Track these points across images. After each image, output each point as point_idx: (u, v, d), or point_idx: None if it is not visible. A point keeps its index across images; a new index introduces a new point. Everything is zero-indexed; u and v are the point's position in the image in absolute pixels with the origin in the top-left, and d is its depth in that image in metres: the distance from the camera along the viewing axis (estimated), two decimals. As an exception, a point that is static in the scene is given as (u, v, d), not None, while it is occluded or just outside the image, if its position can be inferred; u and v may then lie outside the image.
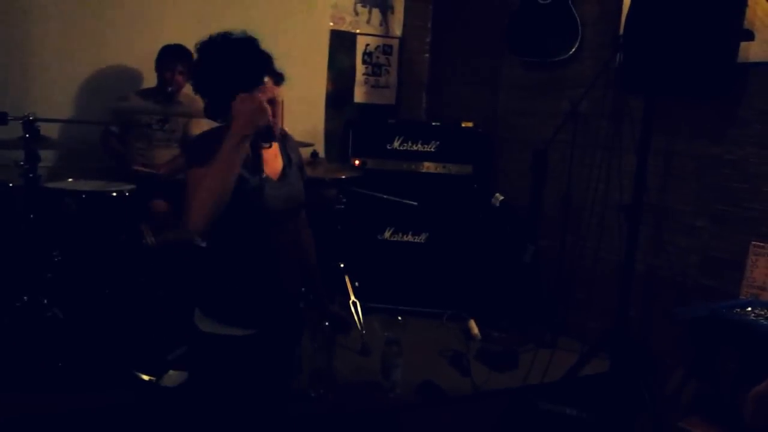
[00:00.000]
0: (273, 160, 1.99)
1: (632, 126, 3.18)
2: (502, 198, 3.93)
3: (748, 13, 2.92)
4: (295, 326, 2.15)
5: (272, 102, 1.85)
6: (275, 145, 2.00)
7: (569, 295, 3.79)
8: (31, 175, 2.95)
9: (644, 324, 3.42)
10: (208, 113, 1.94)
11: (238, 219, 1.85)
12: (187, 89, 3.85)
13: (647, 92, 2.99)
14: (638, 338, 3.37)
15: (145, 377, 2.79)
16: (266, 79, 1.93)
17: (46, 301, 2.97)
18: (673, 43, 2.84)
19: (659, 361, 3.22)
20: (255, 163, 1.89)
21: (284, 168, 2.01)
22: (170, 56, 3.64)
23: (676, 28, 2.83)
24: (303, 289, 2.18)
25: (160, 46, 3.73)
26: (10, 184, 3.09)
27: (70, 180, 3.37)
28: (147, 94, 3.74)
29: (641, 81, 3.00)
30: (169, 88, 3.61)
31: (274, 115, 1.84)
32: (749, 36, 2.94)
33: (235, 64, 1.86)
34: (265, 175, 1.91)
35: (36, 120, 2.92)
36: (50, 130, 3.10)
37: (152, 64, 3.71)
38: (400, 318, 3.12)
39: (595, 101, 3.54)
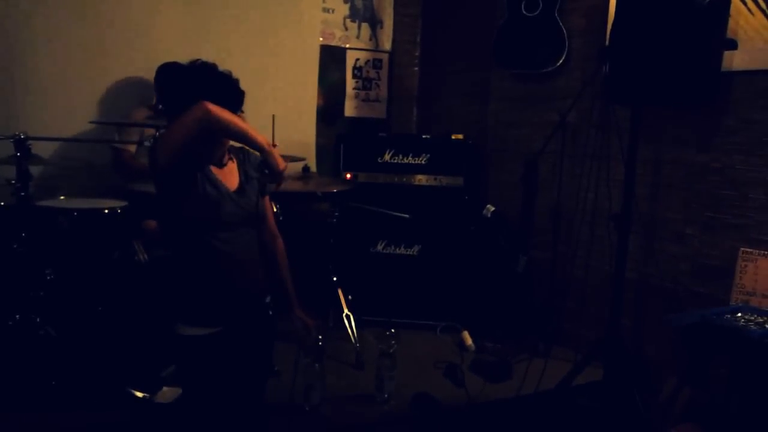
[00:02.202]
0: (229, 174, 2.25)
1: (620, 135, 3.21)
2: (493, 209, 3.95)
3: (731, 22, 2.97)
4: (261, 327, 2.33)
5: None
6: (231, 163, 2.28)
7: (562, 305, 3.81)
8: (22, 194, 2.95)
9: (637, 332, 3.44)
10: None
11: (198, 226, 2.12)
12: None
13: (634, 102, 3.03)
14: (631, 346, 3.39)
15: (139, 394, 2.78)
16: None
17: (38, 320, 2.96)
18: (657, 53, 2.88)
19: (652, 369, 3.24)
20: (216, 178, 2.17)
21: (241, 182, 2.26)
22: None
23: (660, 38, 2.87)
24: (268, 298, 2.36)
25: (152, 63, 3.76)
26: (2, 203, 3.09)
27: (62, 198, 3.37)
28: (148, 109, 3.75)
29: (628, 91, 3.04)
30: (160, 106, 3.62)
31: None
32: (732, 45, 2.98)
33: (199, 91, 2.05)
34: (224, 189, 2.18)
35: (27, 138, 2.93)
36: (42, 148, 3.11)
37: (147, 81, 3.75)
38: (393, 330, 3.13)
39: (583, 112, 3.57)
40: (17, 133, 2.91)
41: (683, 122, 3.24)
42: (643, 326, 3.43)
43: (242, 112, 2.21)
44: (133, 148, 3.69)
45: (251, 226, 2.26)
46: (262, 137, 2.03)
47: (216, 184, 2.16)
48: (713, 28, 2.89)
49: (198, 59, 2.14)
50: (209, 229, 2.13)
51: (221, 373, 2.15)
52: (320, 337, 2.89)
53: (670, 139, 3.31)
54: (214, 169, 2.20)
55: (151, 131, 3.58)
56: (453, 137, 4.17)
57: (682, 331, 2.73)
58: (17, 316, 2.94)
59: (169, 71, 2.07)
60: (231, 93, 2.13)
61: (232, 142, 2.16)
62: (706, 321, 2.51)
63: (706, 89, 2.94)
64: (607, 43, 3.32)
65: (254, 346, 2.30)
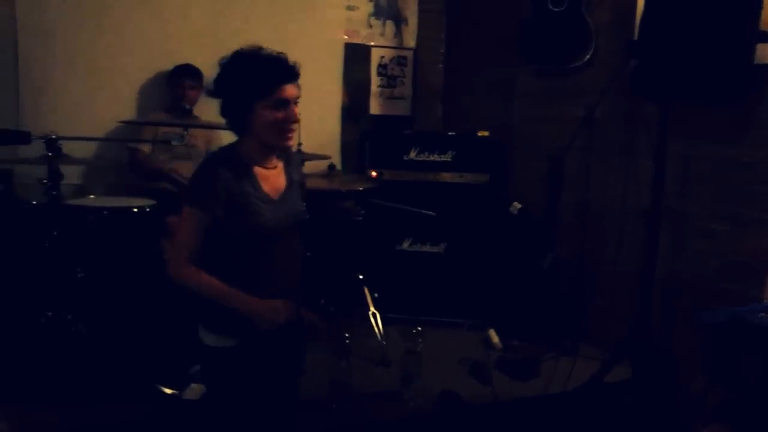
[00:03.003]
0: (275, 178, 2.09)
1: (648, 131, 3.17)
2: (520, 206, 3.92)
3: (764, 14, 2.90)
4: (296, 334, 2.19)
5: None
6: (279, 165, 2.11)
7: (589, 302, 3.77)
8: (54, 193, 3.00)
9: (666, 330, 3.39)
10: (230, 124, 2.04)
11: (237, 235, 1.97)
12: (205, 107, 3.93)
13: (662, 97, 2.99)
14: (660, 344, 3.34)
15: (168, 390, 2.82)
16: (287, 86, 1.98)
17: (69, 317, 3.00)
18: (687, 46, 2.84)
19: (682, 367, 3.19)
20: (259, 185, 2.02)
21: (286, 188, 2.11)
22: (179, 73, 3.82)
23: (690, 31, 2.83)
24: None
25: (175, 63, 3.82)
26: (34, 202, 3.15)
27: (91, 197, 3.42)
28: (166, 111, 3.82)
29: (656, 86, 3.00)
30: (187, 106, 3.67)
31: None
32: (766, 38, 2.92)
33: (255, 73, 1.94)
34: (266, 196, 2.02)
35: (58, 138, 2.97)
36: (72, 148, 3.16)
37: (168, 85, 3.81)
38: (419, 328, 3.12)
39: (611, 107, 3.53)
40: (48, 133, 2.96)
41: (713, 116, 3.18)
42: (672, 324, 3.38)
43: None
44: (146, 147, 3.75)
45: (294, 232, 2.13)
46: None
47: (259, 191, 2.00)
48: (746, 21, 2.83)
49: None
50: (250, 239, 1.99)
51: (251, 382, 2.04)
52: (347, 334, 2.90)
53: (699, 133, 3.25)
54: (259, 171, 2.04)
55: (165, 130, 3.64)
56: (478, 134, 4.15)
57: (712, 329, 2.69)
58: (49, 314, 2.99)
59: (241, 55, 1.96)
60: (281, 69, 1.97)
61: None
62: (737, 319, 2.47)
63: (738, 83, 2.89)
64: (635, 37, 3.28)
65: (289, 355, 2.20)
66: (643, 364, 3.05)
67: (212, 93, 2.03)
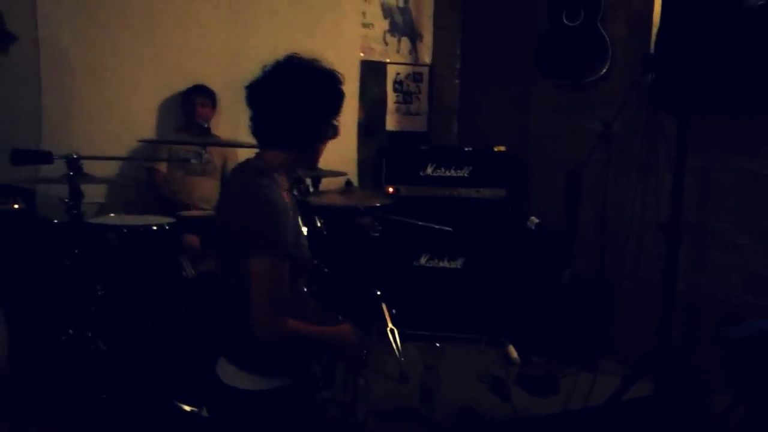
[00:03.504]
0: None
1: (666, 144, 3.15)
2: (537, 221, 3.90)
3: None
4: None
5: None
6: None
7: (609, 317, 3.73)
8: (75, 212, 3.03)
9: (688, 345, 3.34)
10: (279, 137, 1.84)
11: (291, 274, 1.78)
12: (220, 125, 3.97)
13: (681, 110, 2.97)
14: (682, 359, 3.30)
15: (187, 408, 2.82)
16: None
17: (90, 334, 3.03)
18: (706, 58, 2.81)
19: (705, 383, 3.14)
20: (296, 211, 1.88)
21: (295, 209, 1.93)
22: (190, 92, 3.91)
23: (709, 43, 2.81)
24: (340, 317, 2.20)
25: (193, 83, 3.88)
26: (55, 221, 3.19)
27: (112, 215, 3.46)
28: (183, 130, 3.87)
29: (674, 99, 2.98)
30: (205, 125, 3.71)
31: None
32: (785, 48, 2.89)
33: (335, 87, 1.84)
34: (299, 224, 1.89)
35: (79, 158, 3.01)
36: (92, 168, 3.20)
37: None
38: (438, 344, 3.11)
39: (628, 120, 3.51)
40: (70, 152, 3.00)
41: (733, 128, 3.16)
42: (694, 339, 3.33)
43: None
44: (163, 167, 3.80)
45: None
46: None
47: (297, 220, 1.85)
48: (766, 30, 2.80)
49: (291, 55, 1.86)
50: (299, 272, 1.84)
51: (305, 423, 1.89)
52: (365, 351, 2.88)
53: (719, 146, 3.22)
54: (286, 197, 1.83)
55: (183, 148, 3.69)
56: (495, 149, 4.15)
57: (737, 344, 2.65)
58: (70, 331, 3.01)
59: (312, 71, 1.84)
60: (334, 95, 1.85)
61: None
62: (763, 333, 2.43)
63: (759, 95, 2.85)
64: (651, 49, 3.27)
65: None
66: (665, 380, 3.01)
67: (264, 103, 1.82)
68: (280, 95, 1.79)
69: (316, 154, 1.91)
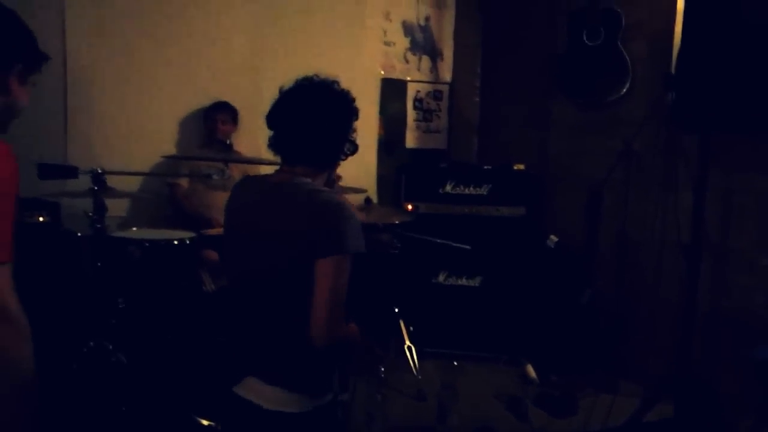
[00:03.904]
0: None
1: (688, 163, 3.13)
2: (556, 240, 3.89)
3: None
4: None
5: None
6: None
7: (629, 338, 3.70)
8: (98, 225, 3.08)
9: (709, 366, 3.30)
10: (318, 162, 1.89)
11: None
12: (241, 141, 4.01)
13: (702, 130, 2.96)
14: (703, 381, 3.25)
15: (205, 422, 2.83)
16: None
17: (111, 347, 3.06)
18: (726, 78, 2.81)
19: (727, 405, 3.09)
20: None
21: None
22: (212, 109, 3.97)
23: (730, 62, 2.80)
24: None
25: (216, 100, 3.94)
26: (79, 234, 3.24)
27: (134, 229, 3.50)
28: (205, 146, 3.92)
29: (695, 118, 2.97)
30: (227, 141, 3.76)
31: None
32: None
33: (354, 108, 1.93)
34: None
35: (104, 173, 3.06)
36: (116, 182, 3.25)
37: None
38: (455, 362, 3.10)
39: (649, 139, 3.50)
40: (95, 167, 3.05)
41: (755, 148, 3.14)
42: (715, 360, 3.29)
43: None
44: (185, 182, 3.85)
45: None
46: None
47: None
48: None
49: (312, 76, 1.91)
50: None
51: None
52: (382, 368, 2.89)
53: (741, 165, 3.20)
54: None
55: (205, 164, 3.74)
56: (514, 167, 4.15)
57: (759, 366, 2.62)
58: (91, 343, 3.05)
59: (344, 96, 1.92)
60: (351, 115, 1.93)
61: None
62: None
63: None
64: (673, 69, 3.26)
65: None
66: (686, 401, 2.97)
67: (289, 122, 1.86)
68: (306, 114, 1.84)
69: (334, 171, 1.97)
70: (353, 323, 1.87)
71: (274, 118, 1.87)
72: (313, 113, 1.84)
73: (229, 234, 1.96)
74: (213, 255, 3.47)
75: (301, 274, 1.69)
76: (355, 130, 1.94)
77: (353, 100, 1.92)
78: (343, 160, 1.95)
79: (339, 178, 2.02)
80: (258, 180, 1.99)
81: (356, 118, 1.93)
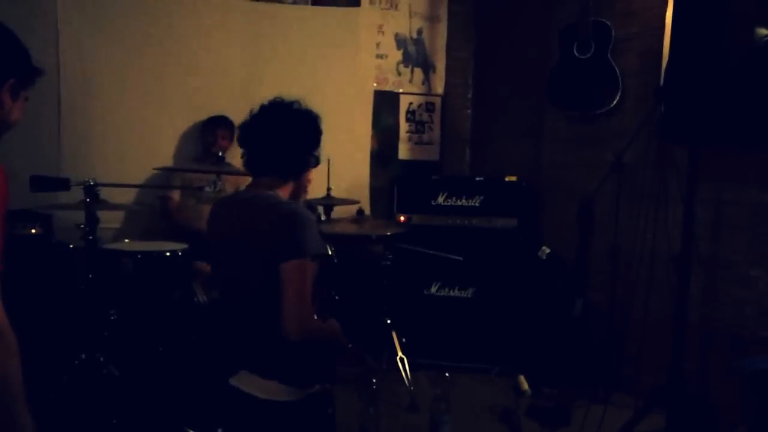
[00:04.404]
0: None
1: (678, 175, 3.16)
2: (548, 251, 3.91)
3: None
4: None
5: None
6: None
7: (621, 349, 3.71)
8: (90, 237, 3.08)
9: (701, 378, 3.31)
10: (283, 171, 2.14)
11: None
12: (236, 154, 4.02)
13: (691, 141, 2.99)
14: (695, 392, 3.26)
15: (197, 435, 2.83)
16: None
17: (102, 359, 3.05)
18: (715, 91, 2.83)
19: (718, 417, 3.11)
20: None
21: None
22: (212, 123, 4.00)
23: (717, 76, 2.83)
24: (350, 345, 2.32)
25: (210, 114, 3.95)
26: (71, 245, 3.24)
27: (126, 241, 3.50)
28: (199, 160, 3.94)
29: (685, 131, 3.00)
30: (220, 153, 3.77)
31: None
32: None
33: (317, 126, 2.18)
34: None
35: (96, 185, 3.07)
36: (109, 194, 3.25)
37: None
38: (447, 374, 3.10)
39: (639, 152, 3.52)
40: (87, 179, 3.06)
41: (745, 160, 3.16)
42: (707, 371, 3.30)
43: None
44: (176, 195, 3.86)
45: None
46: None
47: None
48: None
49: (276, 98, 2.15)
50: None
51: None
52: (374, 380, 2.89)
53: (731, 178, 3.23)
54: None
55: (197, 177, 3.75)
56: (506, 179, 4.17)
57: (750, 377, 2.63)
58: (83, 355, 3.04)
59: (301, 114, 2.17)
60: (314, 131, 2.17)
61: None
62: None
63: (768, 127, 2.87)
64: (662, 82, 3.29)
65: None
66: (678, 413, 2.98)
67: (258, 139, 2.11)
68: (272, 132, 2.09)
69: (304, 183, 2.21)
70: (333, 319, 2.10)
71: (242, 136, 2.15)
72: (275, 128, 2.09)
73: (212, 245, 2.19)
74: (205, 267, 3.47)
75: (272, 277, 1.92)
76: (317, 146, 2.18)
77: (316, 118, 2.16)
78: (308, 173, 2.20)
79: (306, 187, 2.23)
80: (231, 198, 2.33)
81: (319, 134, 2.17)
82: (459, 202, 4.18)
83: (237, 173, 3.85)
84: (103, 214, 3.15)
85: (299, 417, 2.00)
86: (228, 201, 2.28)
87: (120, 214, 3.95)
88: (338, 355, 2.34)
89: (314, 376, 2.05)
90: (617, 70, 3.81)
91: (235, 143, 4.03)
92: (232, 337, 2.11)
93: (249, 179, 3.83)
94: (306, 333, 1.91)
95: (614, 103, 3.83)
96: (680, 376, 3.01)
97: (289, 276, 1.90)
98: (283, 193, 2.13)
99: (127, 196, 3.91)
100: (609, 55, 3.83)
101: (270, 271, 1.92)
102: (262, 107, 2.13)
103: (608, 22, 3.84)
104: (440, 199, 4.20)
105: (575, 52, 3.94)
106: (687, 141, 3.02)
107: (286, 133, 2.09)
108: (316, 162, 2.21)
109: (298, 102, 2.15)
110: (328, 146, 3.95)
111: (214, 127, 3.95)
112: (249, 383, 1.99)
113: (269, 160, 2.10)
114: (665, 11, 3.46)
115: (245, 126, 2.14)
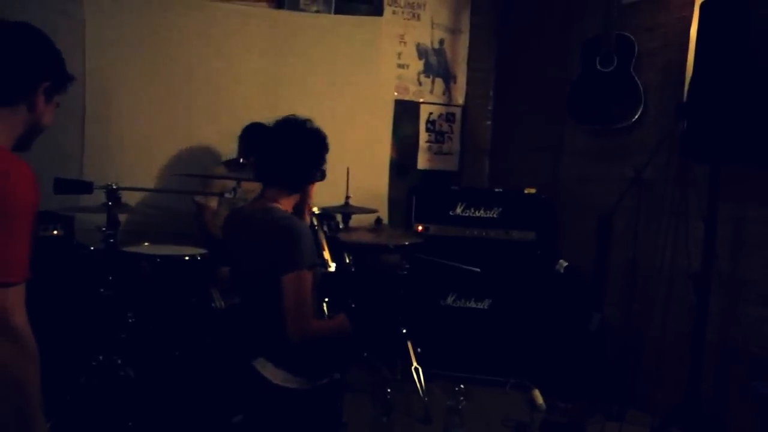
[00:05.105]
0: None
1: (698, 192, 3.13)
2: (566, 264, 3.89)
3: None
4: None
5: None
6: None
7: (637, 366, 3.67)
8: (111, 240, 3.11)
9: (718, 397, 3.27)
10: (290, 184, 2.33)
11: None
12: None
13: (713, 160, 2.96)
14: (712, 411, 3.22)
15: (211, 438, 2.84)
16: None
17: (119, 361, 3.07)
18: (739, 109, 2.81)
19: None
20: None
21: None
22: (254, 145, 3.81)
23: (742, 94, 2.81)
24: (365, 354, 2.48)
25: (233, 119, 3.95)
26: (92, 248, 3.27)
27: (146, 244, 3.53)
28: (227, 164, 3.94)
29: (707, 149, 2.97)
30: (241, 160, 3.78)
31: None
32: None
33: (324, 146, 2.35)
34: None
35: (118, 188, 3.10)
36: (130, 197, 3.28)
37: (226, 138, 3.93)
38: (462, 386, 3.09)
39: (660, 167, 3.50)
40: (110, 183, 3.09)
41: (766, 179, 3.13)
42: (725, 392, 3.26)
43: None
44: (214, 203, 3.86)
45: None
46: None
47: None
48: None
49: (289, 116, 2.31)
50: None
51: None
52: (388, 389, 2.89)
53: (753, 196, 3.19)
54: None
55: (231, 183, 3.75)
56: (525, 191, 4.16)
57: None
58: (100, 357, 3.06)
59: (258, 132, 2.30)
60: (320, 148, 2.33)
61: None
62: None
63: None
64: (684, 98, 3.27)
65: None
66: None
67: (270, 151, 2.29)
68: (281, 146, 2.28)
69: (306, 196, 2.40)
70: (342, 315, 2.32)
71: (254, 148, 2.48)
72: (284, 143, 2.28)
73: (227, 253, 2.46)
74: (227, 272, 3.49)
75: (275, 285, 2.12)
76: (322, 162, 2.34)
77: (324, 137, 2.33)
78: (311, 185, 2.38)
79: (308, 200, 2.42)
80: (239, 210, 2.52)
81: (324, 152, 2.34)
82: (477, 214, 4.17)
83: (251, 179, 3.85)
84: (123, 218, 3.18)
85: (306, 405, 2.21)
86: (237, 213, 2.49)
87: (141, 218, 3.99)
88: (347, 348, 2.47)
89: (322, 370, 2.24)
90: (640, 85, 3.79)
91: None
92: (251, 328, 2.34)
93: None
94: (306, 337, 2.12)
95: (636, 117, 3.81)
96: (697, 395, 2.97)
97: (287, 288, 2.11)
98: (287, 204, 2.32)
99: (149, 200, 3.95)
100: (632, 69, 3.81)
101: (272, 280, 2.13)
102: (276, 122, 2.31)
103: (632, 36, 3.82)
104: (458, 210, 4.20)
105: (597, 65, 3.92)
106: (709, 159, 3.00)
107: (293, 148, 2.27)
108: (322, 176, 2.37)
109: (310, 121, 2.32)
110: (347, 155, 4.04)
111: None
112: (264, 368, 2.20)
113: (276, 172, 2.30)
114: (689, 26, 3.45)
115: (258, 138, 2.40)
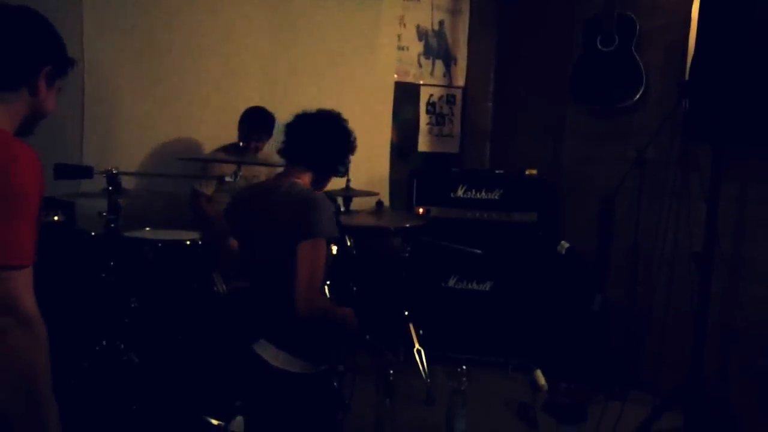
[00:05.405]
0: None
1: (701, 172, 3.12)
2: (567, 245, 3.88)
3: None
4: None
5: None
6: None
7: (640, 346, 3.68)
8: (112, 225, 3.11)
9: (720, 377, 3.28)
10: (317, 168, 2.39)
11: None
12: (265, 150, 4.00)
13: (715, 141, 2.94)
14: (714, 392, 3.23)
15: (215, 422, 2.85)
16: None
17: (122, 346, 3.08)
18: (741, 89, 2.79)
19: (738, 418, 3.08)
20: None
21: None
22: (254, 128, 3.83)
23: (744, 73, 2.79)
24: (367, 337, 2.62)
25: (233, 108, 3.92)
26: (93, 233, 3.27)
27: (147, 229, 3.53)
28: (226, 150, 3.92)
29: (709, 129, 2.95)
30: (241, 143, 3.77)
31: None
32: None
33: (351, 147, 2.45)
34: None
35: (119, 173, 3.09)
36: (131, 182, 3.27)
37: (227, 126, 3.91)
38: (464, 367, 3.10)
39: (662, 148, 3.49)
40: (110, 168, 3.08)
41: (769, 159, 3.12)
42: (727, 371, 3.27)
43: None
44: (210, 189, 3.85)
45: None
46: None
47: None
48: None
49: (331, 110, 2.40)
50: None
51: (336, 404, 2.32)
52: (391, 372, 2.90)
53: (755, 176, 3.18)
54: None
55: (229, 168, 3.74)
56: (526, 173, 4.15)
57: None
58: (104, 342, 3.07)
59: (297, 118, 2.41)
60: (351, 146, 2.43)
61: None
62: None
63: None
64: (686, 77, 3.25)
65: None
66: (696, 413, 2.96)
67: (304, 134, 2.35)
68: (324, 131, 2.35)
69: (326, 182, 2.48)
70: (350, 309, 2.26)
71: (293, 127, 2.37)
72: (324, 128, 2.36)
73: (236, 230, 2.46)
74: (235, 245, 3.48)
75: (290, 256, 2.10)
76: (349, 156, 2.44)
77: (355, 139, 2.43)
78: (333, 175, 2.45)
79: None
80: (256, 186, 2.55)
81: (352, 152, 2.44)
82: (478, 196, 4.16)
83: (256, 163, 3.85)
84: (124, 203, 3.17)
85: (306, 389, 2.20)
86: (253, 189, 2.50)
87: (142, 203, 3.97)
88: (351, 342, 2.47)
89: (323, 355, 2.25)
90: (641, 64, 3.76)
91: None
92: (254, 308, 2.33)
93: (265, 170, 3.88)
94: (313, 308, 2.10)
95: (637, 97, 3.79)
96: (700, 375, 2.98)
97: (303, 253, 2.09)
98: (306, 177, 2.36)
99: (149, 185, 3.94)
100: (633, 49, 3.79)
101: (289, 251, 2.11)
102: (319, 110, 2.39)
103: (633, 15, 3.79)
104: (459, 192, 4.19)
105: (599, 45, 3.90)
106: (711, 140, 2.98)
107: (332, 136, 2.36)
108: (344, 172, 2.49)
109: (346, 120, 2.42)
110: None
111: (260, 133, 3.83)
112: (265, 350, 2.19)
113: (310, 153, 2.34)
114: (691, 4, 3.41)
115: (297, 118, 2.37)
